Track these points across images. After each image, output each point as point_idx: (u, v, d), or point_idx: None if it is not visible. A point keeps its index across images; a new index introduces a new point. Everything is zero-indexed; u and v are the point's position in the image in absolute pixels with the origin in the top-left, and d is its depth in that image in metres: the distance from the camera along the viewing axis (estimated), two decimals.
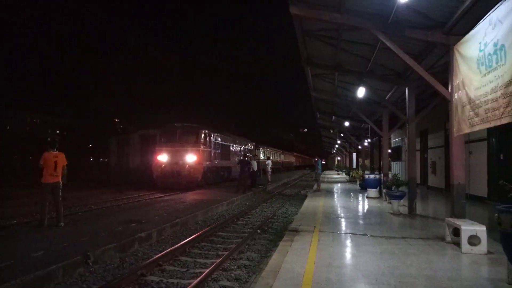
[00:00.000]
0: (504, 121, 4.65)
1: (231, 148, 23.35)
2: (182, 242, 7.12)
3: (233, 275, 5.54)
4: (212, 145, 19.33)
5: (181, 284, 5.14)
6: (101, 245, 6.16)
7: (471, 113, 5.75)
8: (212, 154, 19.33)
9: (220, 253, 6.86)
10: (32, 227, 7.73)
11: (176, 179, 16.82)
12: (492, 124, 5.04)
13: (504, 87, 4.57)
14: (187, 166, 16.85)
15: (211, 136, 19.18)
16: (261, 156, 33.67)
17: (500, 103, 4.70)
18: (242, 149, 25.88)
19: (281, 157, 48.51)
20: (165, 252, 6.40)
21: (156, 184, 17.47)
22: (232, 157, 23.22)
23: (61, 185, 7.83)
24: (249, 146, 28.72)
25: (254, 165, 19.79)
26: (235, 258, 6.49)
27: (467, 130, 6.13)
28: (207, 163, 18.42)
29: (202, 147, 17.78)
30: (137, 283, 5.13)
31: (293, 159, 61.86)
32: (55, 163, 7.64)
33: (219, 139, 20.91)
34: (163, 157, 17.16)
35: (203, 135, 18.02)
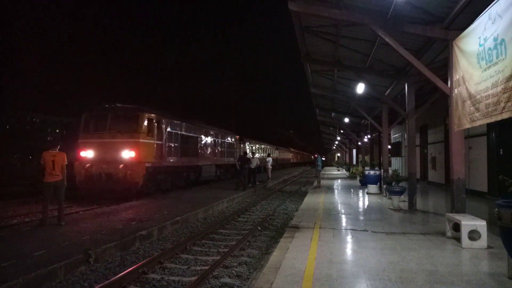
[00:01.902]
0: (505, 115, 4.64)
1: (201, 142, 17.91)
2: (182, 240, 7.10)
3: (234, 272, 5.55)
4: (165, 136, 13.87)
5: (182, 281, 5.15)
6: (102, 243, 6.18)
7: (472, 108, 5.74)
8: (165, 149, 13.79)
9: (221, 250, 6.89)
10: (33, 226, 7.74)
11: (106, 185, 11.75)
12: (493, 119, 5.03)
13: (505, 82, 4.56)
14: (121, 166, 11.74)
15: (161, 123, 13.65)
16: (248, 151, 28.05)
17: (501, 98, 4.69)
18: (219, 142, 20.94)
19: (275, 153, 43.50)
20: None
21: (80, 191, 12.35)
22: (202, 152, 18.06)
23: (63, 184, 7.82)
24: (230, 139, 23.45)
25: (254, 162, 18.86)
26: (236, 255, 6.50)
27: (467, 125, 6.12)
28: (155, 161, 13.00)
29: (145, 138, 12.46)
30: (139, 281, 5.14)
31: (289, 156, 56.98)
32: (53, 162, 7.63)
33: (179, 129, 15.30)
34: (88, 153, 12.29)
35: (146, 121, 12.60)
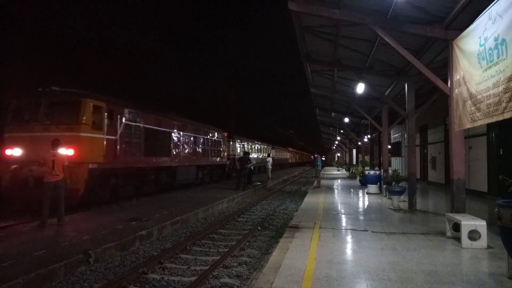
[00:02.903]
0: (507, 115, 4.63)
1: (175, 138, 15.00)
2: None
3: (234, 272, 5.55)
4: (121, 130, 11.09)
5: (182, 281, 5.15)
6: (102, 243, 6.17)
7: (473, 108, 5.74)
8: (121, 146, 11.06)
9: (221, 250, 6.89)
10: (32, 226, 7.74)
11: (35, 193, 8.57)
12: (494, 119, 5.03)
13: (507, 82, 4.56)
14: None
15: (115, 113, 10.88)
16: (238, 150, 25.86)
17: (502, 98, 4.68)
18: (201, 139, 18.12)
19: (271, 153, 40.43)
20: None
21: (5, 199, 9.57)
22: (176, 151, 15.13)
23: (64, 184, 7.82)
24: (216, 136, 20.51)
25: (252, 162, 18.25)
26: (236, 255, 6.50)
27: (468, 125, 6.12)
28: (105, 161, 10.23)
29: (89, 131, 9.70)
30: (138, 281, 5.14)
31: (287, 155, 54.39)
32: (53, 162, 7.63)
33: (141, 121, 12.35)
34: (15, 151, 9.59)
35: (92, 110, 9.80)
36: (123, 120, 11.31)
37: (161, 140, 13.98)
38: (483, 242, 5.65)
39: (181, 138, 15.77)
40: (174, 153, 14.97)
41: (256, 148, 32.54)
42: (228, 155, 23.59)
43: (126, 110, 11.50)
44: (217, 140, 20.70)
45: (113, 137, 10.77)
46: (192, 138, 16.98)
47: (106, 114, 10.39)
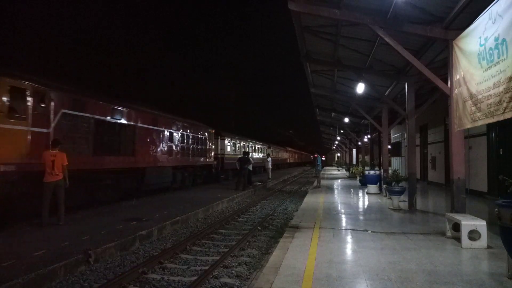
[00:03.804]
0: (507, 115, 4.63)
1: (140, 134, 12.27)
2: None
3: (234, 272, 5.55)
4: (57, 121, 8.70)
5: (182, 281, 5.15)
6: (102, 243, 6.18)
7: (473, 108, 5.74)
8: (38, 139, 8.15)
9: (221, 250, 6.89)
10: (33, 226, 7.73)
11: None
12: (495, 119, 5.03)
13: (507, 82, 4.56)
14: None
15: (47, 98, 8.38)
16: (228, 149, 23.03)
17: (503, 98, 4.68)
18: (180, 136, 15.41)
19: (267, 153, 36.26)
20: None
21: None
22: (145, 149, 12.58)
23: (63, 184, 7.82)
24: (201, 134, 17.94)
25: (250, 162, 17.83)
26: (236, 255, 6.50)
27: (468, 125, 6.12)
28: (26, 161, 7.77)
29: (3, 121, 7.36)
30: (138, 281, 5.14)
31: (285, 155, 51.34)
32: (53, 162, 7.62)
33: (91, 111, 9.94)
34: None
35: (8, 93, 7.43)
36: (62, 108, 8.85)
37: (121, 136, 11.25)
38: (483, 242, 5.65)
39: (151, 134, 13.08)
40: (141, 152, 12.33)
41: (250, 147, 29.37)
42: (216, 154, 20.92)
43: (66, 96, 9.06)
44: (202, 137, 18.05)
45: (44, 130, 8.31)
46: (166, 134, 14.26)
47: (32, 99, 7.96)
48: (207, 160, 18.97)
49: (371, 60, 10.84)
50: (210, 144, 19.43)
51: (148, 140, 12.97)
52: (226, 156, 22.21)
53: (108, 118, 10.74)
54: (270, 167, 24.32)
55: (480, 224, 5.70)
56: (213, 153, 19.93)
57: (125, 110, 11.62)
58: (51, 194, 7.70)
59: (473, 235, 5.72)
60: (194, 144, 17.03)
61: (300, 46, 11.06)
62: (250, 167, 17.97)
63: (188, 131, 16.50)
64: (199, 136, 17.79)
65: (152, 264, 5.74)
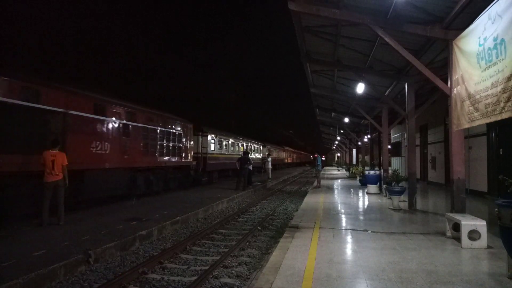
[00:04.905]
0: (505, 116, 4.64)
1: (74, 125, 9.34)
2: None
3: (234, 272, 5.56)
4: None
5: (182, 281, 5.15)
6: (102, 243, 6.18)
7: (471, 108, 5.75)
8: None
9: (221, 250, 6.89)
10: (32, 226, 7.73)
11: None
12: (492, 119, 5.03)
13: (505, 82, 4.56)
14: None
15: None
16: (212, 148, 19.93)
17: (501, 98, 4.69)
18: (142, 130, 12.59)
19: (263, 152, 34.66)
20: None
21: None
22: (80, 147, 9.53)
23: (63, 184, 7.82)
24: (173, 127, 15.00)
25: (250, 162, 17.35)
26: (236, 255, 6.50)
27: (466, 125, 6.13)
28: None
29: None
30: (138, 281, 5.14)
31: (283, 155, 48.93)
32: (53, 162, 7.62)
33: None
34: None
35: None
36: None
37: (40, 127, 8.39)
38: (483, 242, 5.65)
39: (93, 125, 10.06)
40: (76, 149, 9.23)
41: (241, 145, 26.35)
42: (197, 153, 18.36)
43: None
44: (175, 133, 15.11)
45: None
46: (119, 127, 11.24)
47: None
48: (183, 160, 16.03)
49: (371, 60, 10.84)
50: (188, 141, 16.60)
51: (88, 133, 9.84)
52: (209, 155, 19.31)
53: (15, 101, 7.61)
54: (270, 167, 24.33)
55: (480, 224, 5.70)
56: (191, 152, 17.21)
57: (47, 91, 8.51)
58: (51, 194, 7.71)
59: (473, 235, 5.72)
60: (164, 141, 14.16)
61: (300, 46, 11.06)
62: (250, 167, 17.93)
63: (155, 124, 13.56)
64: (172, 131, 14.88)
65: (152, 264, 5.74)
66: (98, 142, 10.24)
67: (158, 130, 13.80)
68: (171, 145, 14.77)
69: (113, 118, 11.03)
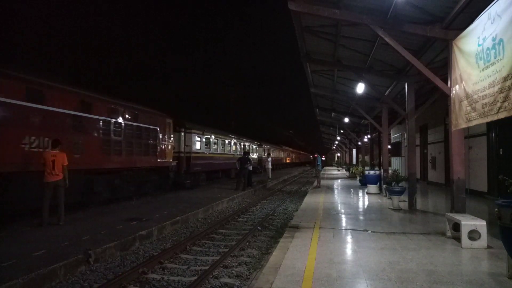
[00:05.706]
0: (501, 115, 4.65)
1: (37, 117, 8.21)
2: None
3: (234, 272, 5.56)
4: None
5: (182, 281, 5.15)
6: (102, 243, 6.18)
7: (468, 108, 5.75)
8: None
9: (221, 250, 6.89)
10: (32, 226, 7.74)
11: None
12: (489, 119, 5.04)
13: (502, 82, 4.57)
14: None
15: None
16: (197, 146, 17.67)
17: (498, 98, 4.69)
18: (98, 124, 10.38)
19: (258, 152, 32.96)
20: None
21: None
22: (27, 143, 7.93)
23: (63, 184, 7.82)
24: (145, 122, 12.86)
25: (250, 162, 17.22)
26: (236, 255, 6.50)
27: (464, 125, 6.14)
28: None
29: None
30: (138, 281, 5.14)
31: (281, 155, 46.93)
32: (53, 162, 7.63)
33: None
34: None
35: None
36: None
37: None
38: (483, 242, 5.65)
39: (25, 115, 8.04)
40: (1, 146, 7.47)
41: (233, 144, 23.85)
42: (178, 152, 16.23)
43: None
44: (149, 128, 13.10)
45: None
46: (66, 118, 9.21)
47: None
48: (159, 160, 13.89)
49: (371, 60, 10.84)
50: (166, 138, 14.51)
51: (18, 126, 7.88)
52: (194, 155, 16.99)
53: None
54: (270, 167, 24.32)
55: (480, 224, 5.70)
56: (171, 151, 15.15)
57: None
58: (51, 194, 7.71)
59: (473, 235, 5.72)
60: (134, 138, 12.14)
61: (300, 46, 11.06)
62: (250, 167, 17.92)
63: (121, 117, 11.49)
64: (145, 126, 12.79)
65: (152, 264, 5.74)
66: (33, 138, 8.20)
67: (124, 125, 11.65)
68: (143, 142, 12.73)
69: (58, 108, 8.94)
